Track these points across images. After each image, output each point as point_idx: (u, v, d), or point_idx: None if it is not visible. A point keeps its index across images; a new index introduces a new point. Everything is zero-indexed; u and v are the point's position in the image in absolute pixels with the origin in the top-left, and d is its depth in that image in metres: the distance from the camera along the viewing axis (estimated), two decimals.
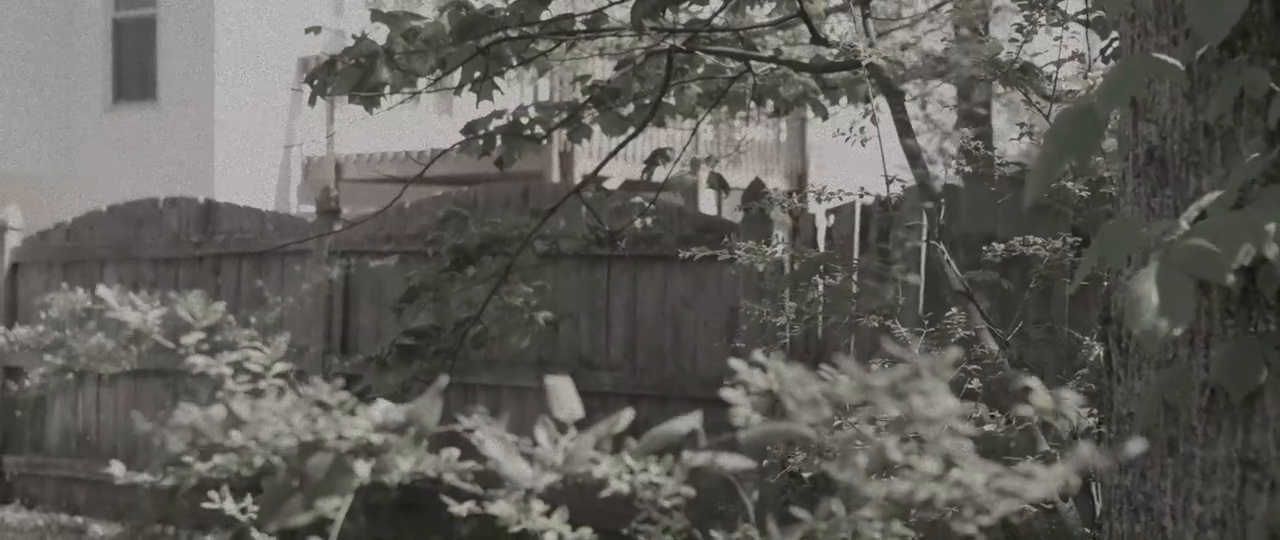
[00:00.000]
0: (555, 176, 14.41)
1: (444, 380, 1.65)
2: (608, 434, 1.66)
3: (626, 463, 1.76)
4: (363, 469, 1.56)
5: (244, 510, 2.09)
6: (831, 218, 7.75)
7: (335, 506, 1.55)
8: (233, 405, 1.58)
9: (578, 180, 12.13)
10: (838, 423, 1.69)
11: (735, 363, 1.71)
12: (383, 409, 1.60)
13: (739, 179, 9.82)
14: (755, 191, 7.86)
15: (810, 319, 5.87)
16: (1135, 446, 3.04)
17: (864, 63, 4.98)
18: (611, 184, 14.05)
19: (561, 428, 1.67)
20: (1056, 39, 4.65)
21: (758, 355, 1.73)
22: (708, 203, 14.61)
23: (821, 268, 5.52)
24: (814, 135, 16.38)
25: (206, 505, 2.09)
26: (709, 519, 2.09)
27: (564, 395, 1.64)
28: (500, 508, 1.64)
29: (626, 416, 1.68)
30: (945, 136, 6.01)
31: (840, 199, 5.66)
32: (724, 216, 10.33)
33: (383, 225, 9.64)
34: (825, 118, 6.56)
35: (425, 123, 15.15)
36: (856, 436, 1.65)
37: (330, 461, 1.54)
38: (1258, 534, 2.77)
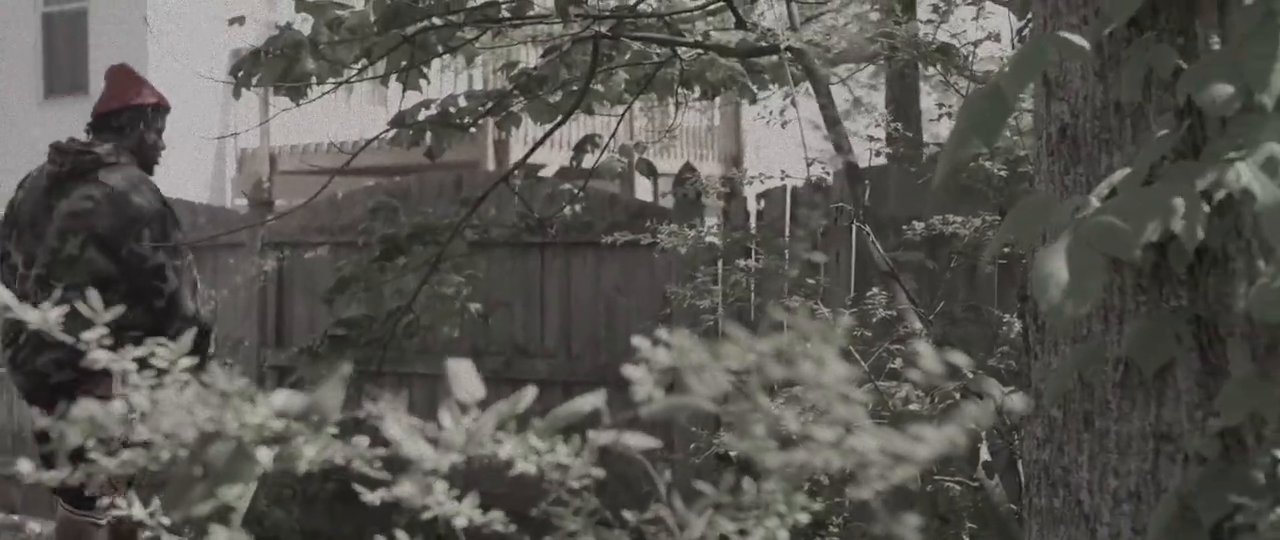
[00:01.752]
0: (490, 165, 14.40)
1: (348, 368, 1.65)
2: (510, 414, 1.67)
3: (531, 443, 1.77)
4: (265, 456, 1.56)
5: (153, 514, 2.08)
6: (762, 202, 7.78)
7: (237, 494, 1.56)
8: (132, 397, 1.58)
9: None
10: (738, 393, 1.70)
11: (638, 341, 1.72)
12: (285, 397, 1.60)
13: (673, 164, 9.85)
14: (685, 176, 7.89)
15: (739, 301, 5.90)
16: (1050, 421, 3.08)
17: (783, 47, 5.00)
18: (547, 171, 14.06)
19: (464, 409, 1.68)
20: (973, 19, 4.69)
21: (661, 332, 1.74)
22: (646, 190, 14.64)
23: (752, 250, 5.55)
24: (748, 120, 16.42)
25: (115, 512, 2.08)
26: (635, 501, 2.10)
27: (464, 377, 1.65)
28: (403, 489, 1.64)
29: (529, 395, 1.69)
30: (873, 119, 6.07)
31: (762, 182, 5.69)
32: (659, 202, 10.36)
33: (316, 217, 9.61)
34: (753, 101, 6.58)
35: (361, 113, 15.12)
36: (754, 407, 1.66)
37: (231, 450, 1.54)
38: (1169, 505, 2.80)
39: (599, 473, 1.85)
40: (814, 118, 5.55)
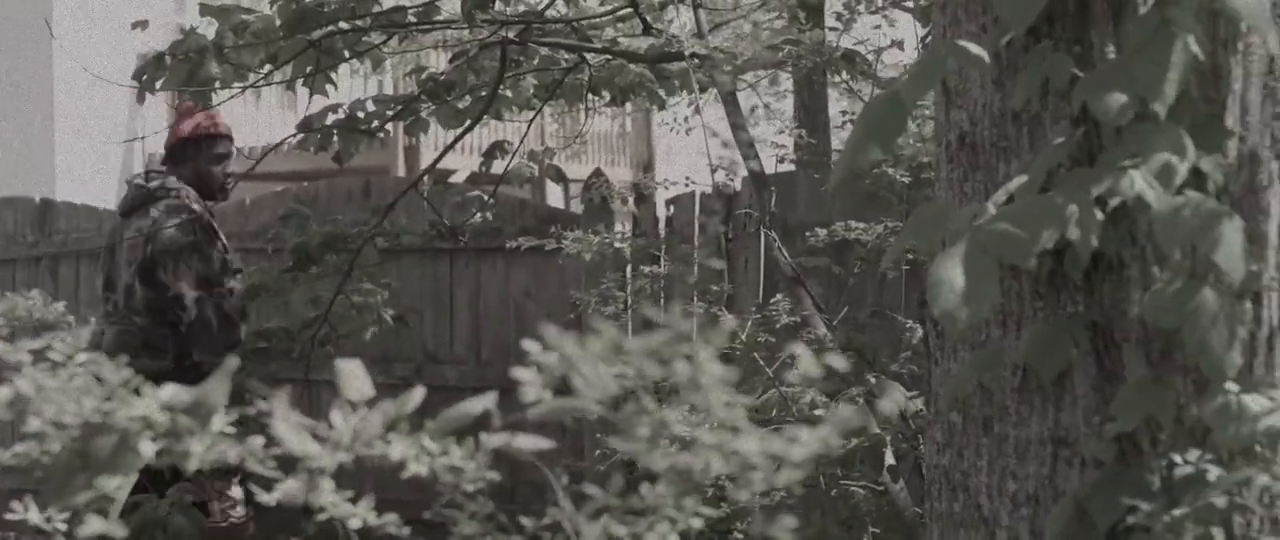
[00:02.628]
0: (400, 170, 14.34)
1: (233, 363, 1.64)
2: (398, 414, 1.66)
3: (423, 445, 1.76)
4: (148, 449, 1.55)
5: (49, 519, 2.06)
6: (671, 208, 7.80)
7: (117, 485, 1.54)
8: (18, 384, 1.57)
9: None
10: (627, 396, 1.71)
11: (528, 344, 1.72)
12: (171, 390, 1.59)
13: (584, 170, 9.85)
14: (593, 182, 7.89)
15: (646, 307, 5.91)
16: (950, 426, 3.11)
17: (687, 53, 5.02)
18: (458, 177, 14.03)
19: (354, 409, 1.67)
20: (875, 27, 4.73)
21: (551, 334, 1.74)
22: (558, 196, 14.64)
23: (659, 256, 5.56)
24: (659, 125, 16.45)
25: (10, 516, 2.06)
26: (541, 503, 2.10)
27: (354, 377, 1.64)
28: (288, 487, 1.63)
29: (417, 396, 1.69)
30: (781, 126, 6.09)
31: (666, 188, 5.70)
32: (570, 208, 10.35)
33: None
34: (661, 106, 6.59)
35: (271, 118, 15.02)
36: (640, 410, 1.67)
37: (114, 441, 1.53)
38: (1066, 509, 2.83)
39: (494, 475, 1.85)
40: (724, 124, 5.58)
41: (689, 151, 11.32)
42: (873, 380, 4.90)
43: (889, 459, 4.90)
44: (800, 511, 5.32)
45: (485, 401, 1.76)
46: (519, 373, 1.71)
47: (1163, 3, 2.76)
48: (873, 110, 2.84)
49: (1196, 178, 2.80)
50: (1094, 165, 2.77)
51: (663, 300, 6.28)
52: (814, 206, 7.04)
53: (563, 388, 1.75)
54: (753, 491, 1.68)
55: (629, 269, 6.80)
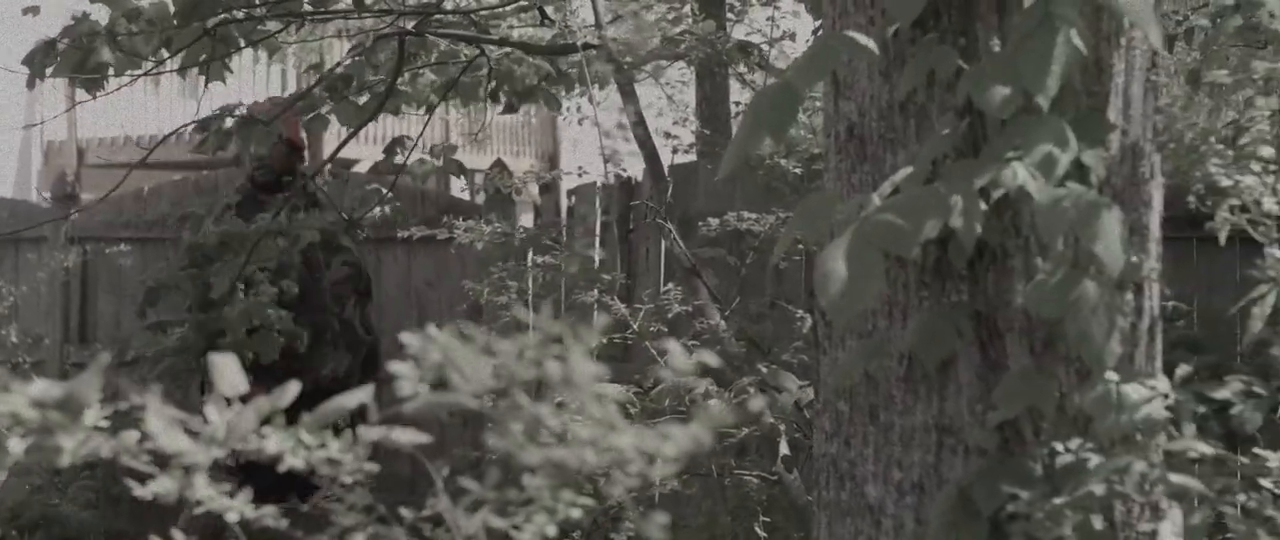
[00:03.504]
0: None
1: (105, 357, 1.63)
2: (272, 408, 1.66)
3: (300, 438, 1.76)
4: (16, 446, 1.53)
5: None
6: (572, 198, 7.80)
7: None
8: None
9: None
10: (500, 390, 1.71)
11: (407, 337, 1.72)
12: (41, 386, 1.57)
13: (489, 160, 9.82)
14: (493, 173, 7.88)
15: (542, 296, 5.91)
16: (838, 415, 3.13)
17: (580, 46, 5.02)
18: (361, 168, 13.96)
19: (228, 403, 1.67)
20: (768, 19, 4.75)
21: (432, 329, 1.74)
22: (463, 186, 14.58)
23: (551, 246, 5.57)
24: (565, 117, 16.43)
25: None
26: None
27: (227, 371, 1.63)
28: (161, 484, 1.63)
29: (292, 390, 1.68)
30: (677, 117, 6.11)
31: (575, 176, 5.70)
32: (475, 199, 10.33)
33: (122, 212, 9.44)
34: (557, 107, 6.58)
35: (172, 106, 14.88)
36: (515, 405, 1.67)
37: None
38: (949, 496, 2.86)
39: (372, 467, 1.85)
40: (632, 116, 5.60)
41: (594, 142, 11.32)
42: (764, 370, 4.93)
43: (784, 449, 4.93)
44: (696, 501, 5.35)
45: (361, 395, 1.75)
46: (395, 366, 1.71)
47: None
48: (763, 100, 2.85)
49: (1079, 170, 2.84)
50: (978, 157, 2.80)
51: (563, 290, 6.28)
52: (715, 197, 7.06)
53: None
54: (627, 485, 1.69)
55: (530, 258, 6.80)
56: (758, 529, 4.84)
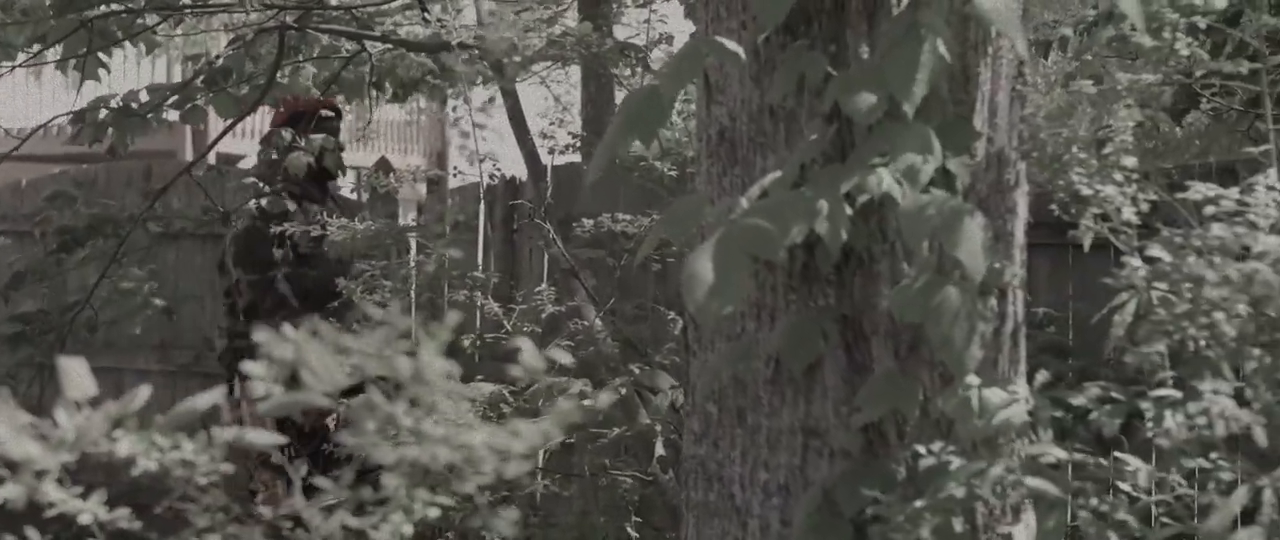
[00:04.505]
0: (187, 155, 14.10)
1: None
2: (123, 411, 1.65)
3: (153, 440, 1.75)
4: None
5: None
6: (455, 197, 7.78)
7: None
8: None
9: (212, 159, 11.84)
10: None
11: (260, 336, 1.71)
12: None
13: (373, 158, 9.76)
14: (379, 171, 7.84)
15: (418, 294, 5.88)
16: (706, 417, 3.16)
17: (456, 44, 5.02)
18: (246, 163, 13.83)
19: (78, 406, 1.65)
20: (644, 21, 4.78)
21: (286, 328, 1.74)
22: (350, 183, 14.49)
23: (424, 244, 5.55)
24: (453, 114, 16.36)
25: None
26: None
27: (76, 374, 1.62)
28: (8, 489, 1.61)
29: (143, 393, 1.68)
30: (557, 118, 6.10)
31: (438, 176, 5.68)
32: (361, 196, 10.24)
33: None
34: (444, 102, 6.56)
35: (56, 98, 14.68)
36: (369, 405, 1.67)
37: None
38: (814, 499, 2.89)
39: (227, 468, 1.84)
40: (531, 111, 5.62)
41: (485, 142, 11.29)
42: (638, 371, 4.95)
43: (659, 449, 4.95)
44: (570, 502, 5.37)
45: (214, 396, 1.75)
46: (248, 366, 1.71)
47: (915, 5, 2.83)
48: (632, 103, 2.87)
49: (945, 177, 2.88)
50: (845, 162, 2.83)
51: (444, 290, 6.26)
52: (598, 198, 7.07)
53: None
54: (481, 483, 1.70)
55: (412, 257, 6.77)
56: (630, 529, 4.86)
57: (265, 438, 1.76)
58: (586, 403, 4.50)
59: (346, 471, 1.78)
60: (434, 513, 1.86)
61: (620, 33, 5.91)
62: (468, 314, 5.40)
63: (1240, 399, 2.60)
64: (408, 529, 1.84)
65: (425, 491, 1.81)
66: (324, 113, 6.36)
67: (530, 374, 1.62)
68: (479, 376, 4.94)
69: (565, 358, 1.76)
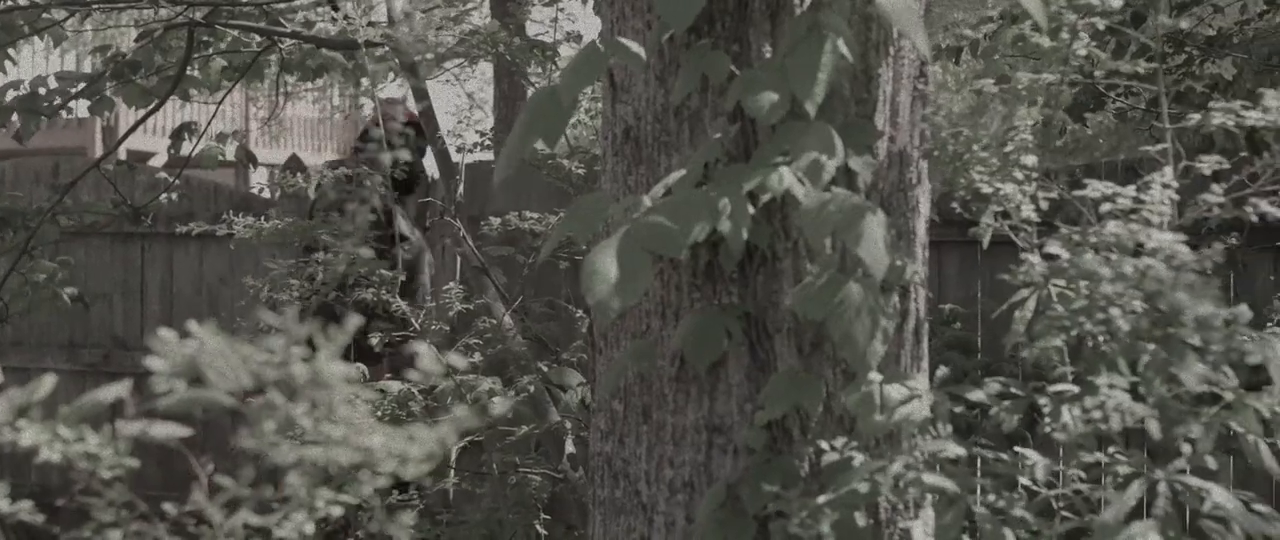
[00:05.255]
0: (97, 151, 13.98)
1: None
2: (26, 402, 1.65)
3: (57, 432, 1.75)
4: None
5: None
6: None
7: None
8: None
9: (122, 154, 11.73)
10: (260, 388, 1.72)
11: (165, 332, 1.72)
12: None
13: (286, 156, 9.71)
14: (291, 167, 7.81)
15: (323, 292, 5.87)
16: (612, 414, 3.17)
17: (362, 41, 5.02)
18: (158, 160, 13.73)
19: None
20: (552, 20, 4.78)
21: (191, 324, 1.74)
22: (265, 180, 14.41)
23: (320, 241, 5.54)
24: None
25: None
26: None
27: None
28: None
29: (47, 383, 1.67)
30: (467, 118, 6.09)
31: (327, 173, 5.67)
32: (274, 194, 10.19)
33: None
34: (357, 87, 6.55)
35: None
36: (268, 405, 1.68)
37: None
38: (717, 495, 2.91)
39: (133, 462, 1.84)
40: (445, 108, 5.63)
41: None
42: (546, 369, 4.96)
43: (570, 446, 4.96)
44: (480, 500, 5.37)
45: (118, 389, 1.75)
46: (150, 361, 1.71)
47: (816, 5, 2.86)
48: (535, 103, 2.88)
49: (847, 175, 2.92)
50: (749, 161, 2.85)
51: (348, 286, 6.24)
52: (512, 196, 7.08)
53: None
54: (379, 484, 1.71)
55: (324, 253, 6.75)
56: (539, 527, 4.87)
57: (171, 431, 1.76)
58: (496, 400, 4.54)
59: (247, 469, 1.79)
60: (337, 511, 1.86)
61: (532, 30, 5.91)
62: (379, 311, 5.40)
63: (1136, 393, 2.65)
64: (309, 528, 1.85)
65: (328, 490, 1.82)
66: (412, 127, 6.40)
67: (428, 377, 1.62)
68: (388, 374, 4.95)
69: (461, 362, 1.77)
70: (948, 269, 6.72)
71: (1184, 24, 6.47)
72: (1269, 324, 5.29)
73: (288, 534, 1.86)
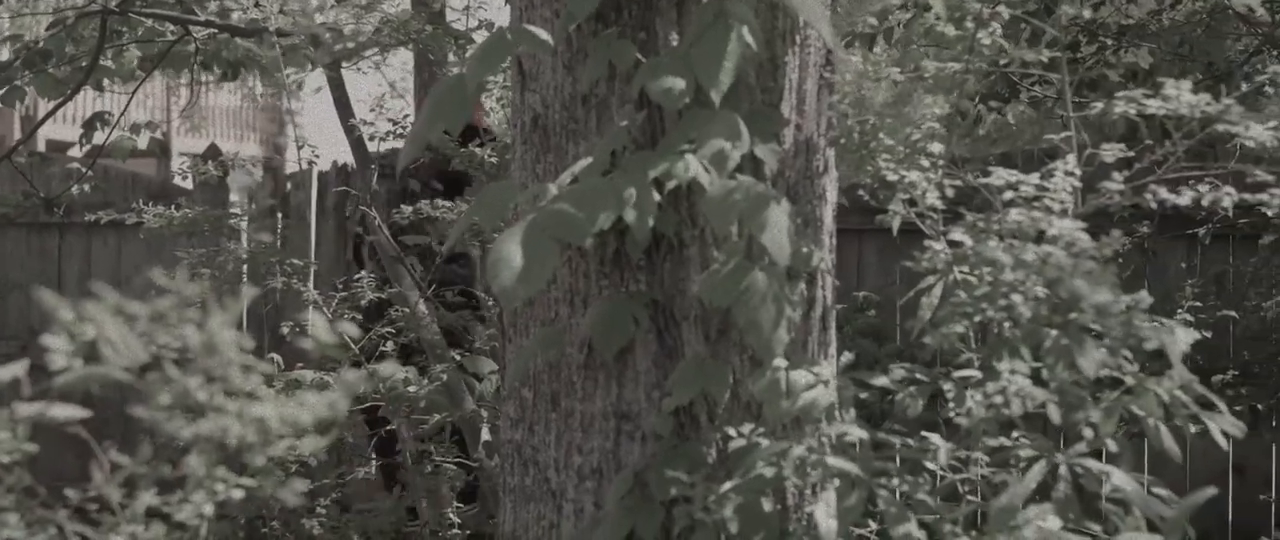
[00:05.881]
0: (16, 139, 13.86)
1: None
2: None
3: None
4: None
5: None
6: (288, 184, 7.72)
7: None
8: None
9: (43, 144, 11.63)
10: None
11: (62, 310, 1.71)
12: None
13: (205, 144, 9.65)
14: (210, 157, 7.76)
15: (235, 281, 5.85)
16: (522, 402, 3.18)
17: (273, 31, 4.99)
18: (77, 150, 13.60)
19: None
20: (465, 8, 4.78)
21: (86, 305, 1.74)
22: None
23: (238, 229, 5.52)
24: (297, 104, 16.23)
25: None
26: None
27: None
28: None
29: None
30: (378, 106, 6.06)
31: (270, 161, 5.65)
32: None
33: None
34: (281, 83, 6.50)
35: None
36: (163, 378, 1.67)
37: None
38: (625, 482, 2.92)
39: (31, 448, 1.83)
40: (366, 100, 5.61)
41: (320, 128, 11.22)
42: (458, 357, 4.96)
43: (485, 435, 4.96)
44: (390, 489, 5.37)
45: (14, 369, 1.74)
46: (46, 339, 1.71)
47: None
48: (440, 90, 2.88)
49: (753, 163, 2.93)
50: (655, 149, 2.86)
51: (245, 273, 6.21)
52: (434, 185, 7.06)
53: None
54: (268, 456, 1.71)
55: (246, 241, 6.72)
56: (452, 515, 4.87)
57: (68, 412, 1.75)
58: (410, 389, 4.53)
59: (145, 447, 1.78)
60: (238, 493, 1.86)
61: (450, 19, 5.89)
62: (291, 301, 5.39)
63: (1038, 379, 2.68)
64: (209, 508, 1.84)
65: (227, 471, 1.81)
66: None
67: (320, 348, 1.63)
68: (299, 364, 4.93)
69: (352, 329, 1.77)
70: (867, 257, 6.76)
71: (1101, 13, 6.53)
72: (1178, 311, 5.36)
73: (186, 517, 1.85)
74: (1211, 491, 2.56)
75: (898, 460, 2.79)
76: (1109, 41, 6.45)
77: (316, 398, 1.61)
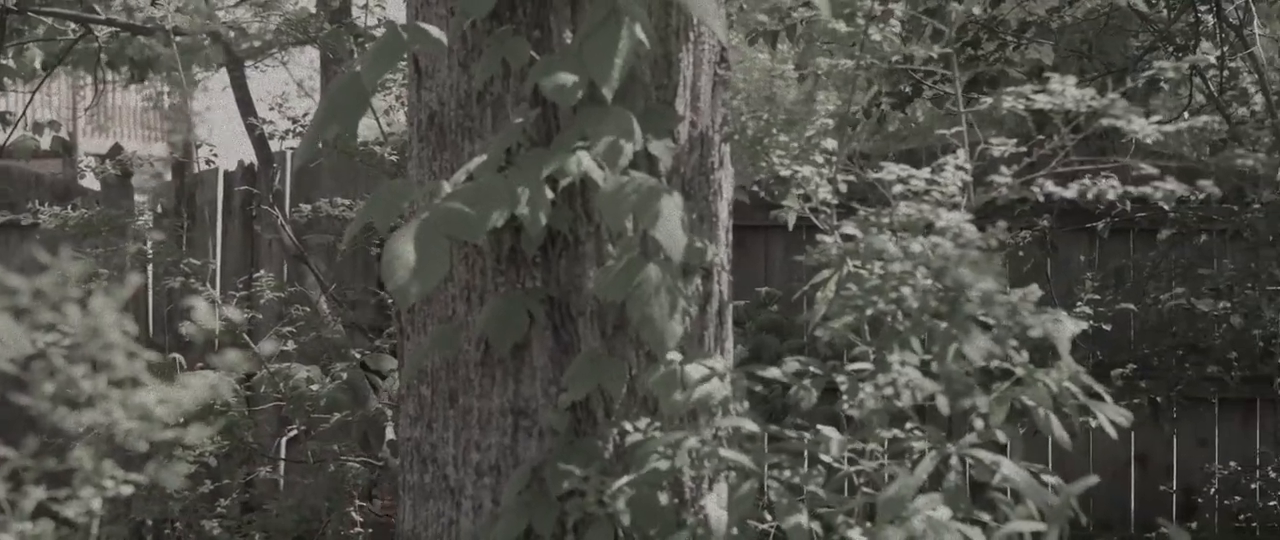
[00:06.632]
0: None
1: None
2: None
3: None
4: None
5: None
6: (195, 184, 7.68)
7: None
8: None
9: None
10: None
11: None
12: None
13: (111, 145, 9.56)
14: (112, 157, 7.70)
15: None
16: (421, 399, 3.18)
17: (170, 29, 4.97)
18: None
19: None
20: (362, 6, 4.77)
21: None
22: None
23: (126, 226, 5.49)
24: (200, 103, 16.10)
25: None
26: None
27: None
28: None
29: None
30: (276, 103, 6.04)
31: (178, 161, 5.62)
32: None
33: None
34: (192, 84, 6.47)
35: None
36: (48, 368, 1.68)
37: None
38: (522, 477, 2.94)
39: None
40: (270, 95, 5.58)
41: (230, 128, 11.14)
42: (359, 356, 4.96)
43: (390, 433, 4.96)
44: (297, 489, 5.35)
45: None
46: None
47: None
48: (336, 89, 2.88)
49: (648, 160, 2.95)
50: (550, 146, 2.88)
51: (147, 272, 6.17)
52: (339, 183, 7.03)
53: None
54: (146, 442, 1.71)
55: (148, 243, 6.67)
56: (354, 513, 4.87)
57: None
58: (313, 388, 4.52)
59: (30, 440, 1.78)
60: (128, 490, 1.85)
61: (353, 16, 5.87)
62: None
63: (928, 370, 2.71)
64: (97, 503, 1.84)
65: (115, 466, 1.81)
66: None
67: (201, 333, 1.63)
68: (199, 364, 4.91)
69: (237, 314, 1.78)
70: (774, 253, 6.80)
71: (1002, 10, 6.59)
72: (1078, 304, 5.43)
73: (75, 514, 1.85)
74: (1093, 480, 2.60)
75: (804, 455, 2.82)
76: (1009, 38, 6.51)
77: (198, 378, 1.61)
